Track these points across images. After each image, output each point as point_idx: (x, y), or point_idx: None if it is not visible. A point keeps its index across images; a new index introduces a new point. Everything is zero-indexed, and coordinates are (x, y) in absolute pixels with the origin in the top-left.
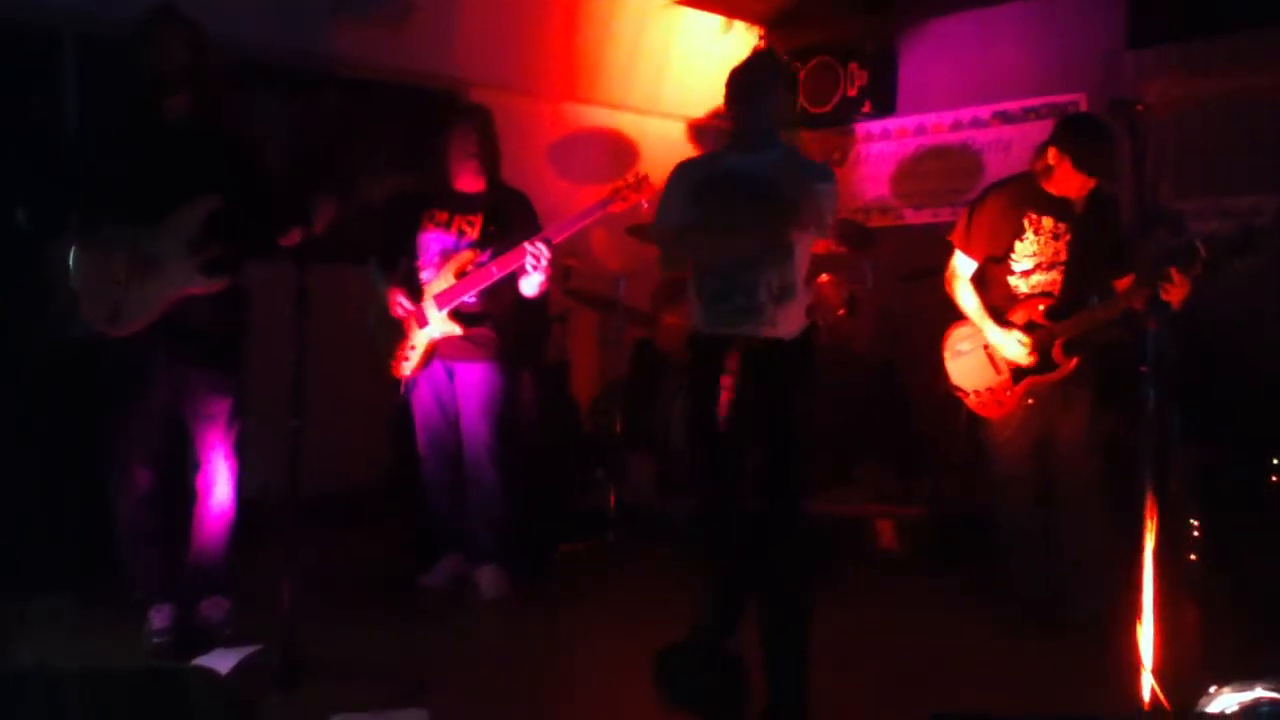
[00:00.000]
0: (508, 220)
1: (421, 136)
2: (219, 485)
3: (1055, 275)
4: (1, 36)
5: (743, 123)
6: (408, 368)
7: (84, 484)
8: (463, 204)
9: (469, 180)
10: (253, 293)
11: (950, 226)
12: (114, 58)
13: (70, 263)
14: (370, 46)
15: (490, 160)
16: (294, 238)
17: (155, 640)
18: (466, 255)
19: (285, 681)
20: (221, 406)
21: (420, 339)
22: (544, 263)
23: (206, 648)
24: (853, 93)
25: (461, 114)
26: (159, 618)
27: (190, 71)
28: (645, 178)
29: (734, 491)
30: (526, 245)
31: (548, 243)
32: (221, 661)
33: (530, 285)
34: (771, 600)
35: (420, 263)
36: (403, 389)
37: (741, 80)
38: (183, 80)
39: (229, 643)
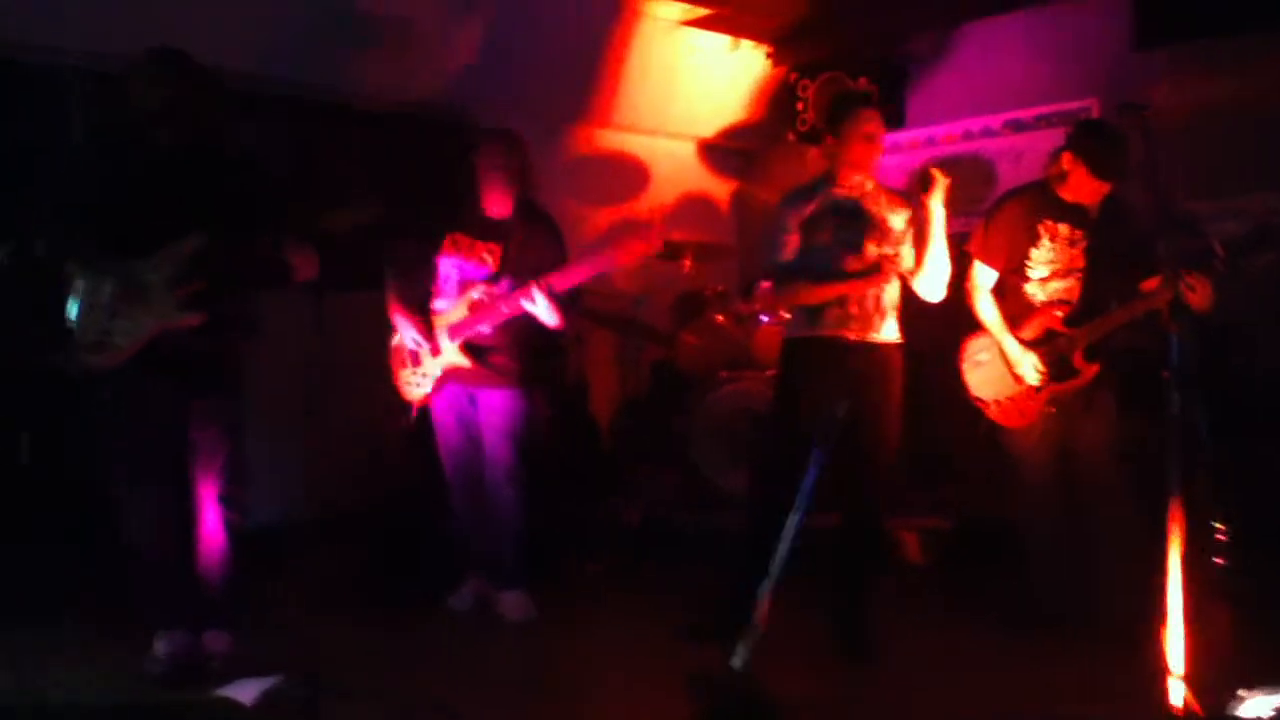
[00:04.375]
0: (529, 251)
1: (426, 163)
2: (207, 514)
3: (1072, 282)
4: (11, 73)
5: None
6: (419, 393)
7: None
8: (487, 230)
9: (497, 203)
10: (258, 320)
11: (966, 237)
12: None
13: (74, 291)
14: (374, 73)
15: (519, 181)
16: (306, 273)
17: (152, 669)
18: (481, 289)
19: (310, 709)
20: (211, 434)
21: (434, 367)
22: (538, 306)
23: (207, 680)
24: None
25: (487, 134)
26: (162, 644)
27: (180, 104)
28: (654, 224)
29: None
30: (533, 285)
31: (549, 289)
32: (245, 692)
33: (547, 319)
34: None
35: (436, 288)
36: (414, 413)
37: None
38: (170, 114)
39: (227, 677)
